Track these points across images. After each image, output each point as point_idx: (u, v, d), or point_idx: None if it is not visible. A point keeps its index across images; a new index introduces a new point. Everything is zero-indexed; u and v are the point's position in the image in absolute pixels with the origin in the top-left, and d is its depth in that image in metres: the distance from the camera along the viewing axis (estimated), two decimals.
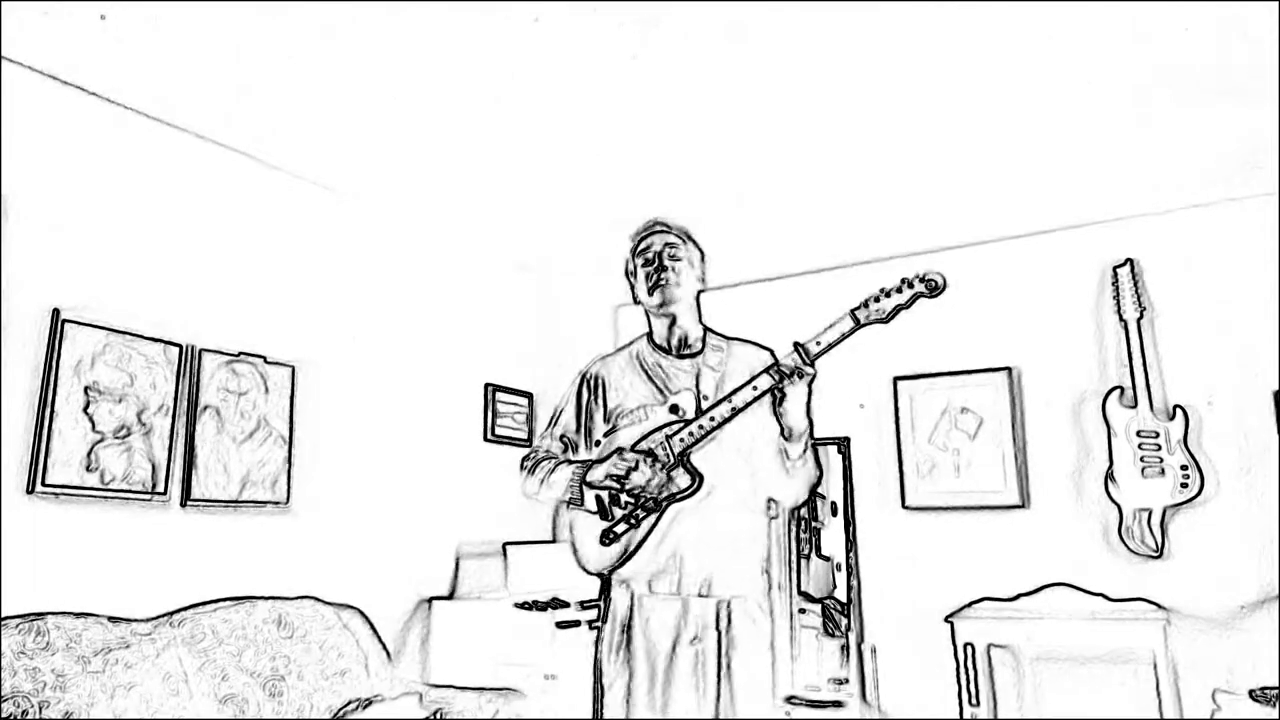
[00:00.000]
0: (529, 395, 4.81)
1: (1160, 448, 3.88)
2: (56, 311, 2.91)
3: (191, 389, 3.26)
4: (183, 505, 3.19)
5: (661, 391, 2.30)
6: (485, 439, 4.53)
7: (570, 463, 2.37)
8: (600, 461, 2.28)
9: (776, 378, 2.13)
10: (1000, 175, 3.80)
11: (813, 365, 2.14)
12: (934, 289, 2.09)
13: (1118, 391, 4.01)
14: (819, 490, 4.92)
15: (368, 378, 3.94)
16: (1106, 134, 3.42)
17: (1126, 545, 3.91)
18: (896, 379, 4.56)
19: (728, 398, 2.18)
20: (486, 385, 4.59)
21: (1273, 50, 2.81)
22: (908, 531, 4.45)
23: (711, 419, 2.18)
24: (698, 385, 2.28)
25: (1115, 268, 4.06)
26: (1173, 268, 4.00)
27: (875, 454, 4.61)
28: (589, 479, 2.28)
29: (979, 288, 4.42)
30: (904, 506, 4.47)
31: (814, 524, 4.91)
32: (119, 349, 3.05)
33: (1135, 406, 3.95)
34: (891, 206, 4.09)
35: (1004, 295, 4.36)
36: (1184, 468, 3.83)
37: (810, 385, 2.20)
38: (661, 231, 2.41)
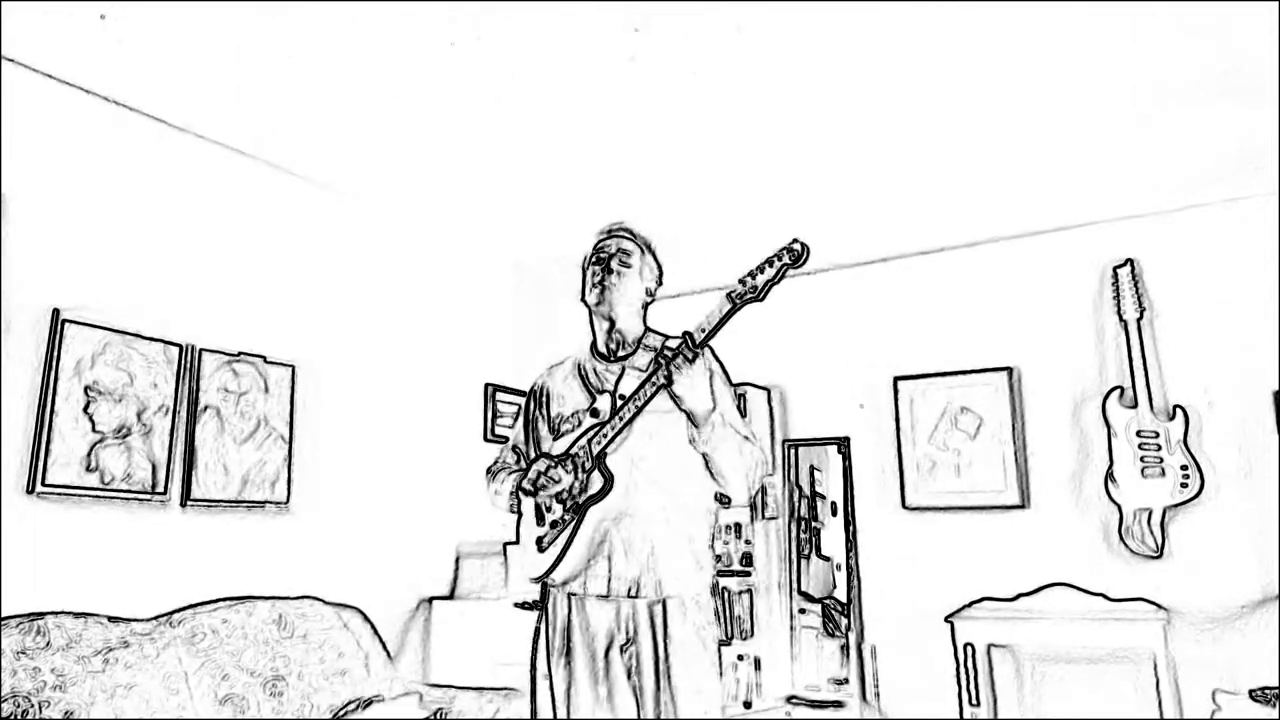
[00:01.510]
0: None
1: (1160, 448, 3.88)
2: (56, 311, 2.91)
3: (191, 389, 3.26)
4: (183, 505, 3.19)
5: (592, 397, 2.31)
6: (485, 439, 4.53)
7: (517, 472, 2.41)
8: (529, 469, 2.32)
9: (664, 368, 2.09)
10: (1000, 175, 3.80)
11: (696, 350, 2.08)
12: (796, 257, 2.07)
13: (1118, 391, 4.01)
14: (818, 490, 4.92)
15: (368, 378, 3.94)
16: (1106, 134, 3.42)
17: (1126, 545, 3.91)
18: (896, 379, 4.55)
19: (633, 397, 2.16)
20: (486, 385, 4.59)
21: (1273, 50, 2.81)
22: (908, 531, 4.45)
23: (621, 418, 2.17)
24: (616, 386, 2.26)
25: (1115, 268, 4.06)
26: (1173, 268, 4.00)
27: (875, 454, 4.61)
28: (523, 487, 2.31)
29: (979, 288, 4.42)
30: (904, 507, 4.47)
31: (814, 524, 4.92)
32: (119, 349, 3.05)
33: (1135, 406, 3.95)
34: (892, 207, 4.10)
35: (1004, 295, 4.36)
36: (1184, 468, 3.83)
37: (714, 367, 2.20)
38: (622, 236, 2.40)
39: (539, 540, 2.26)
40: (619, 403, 2.20)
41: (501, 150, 3.56)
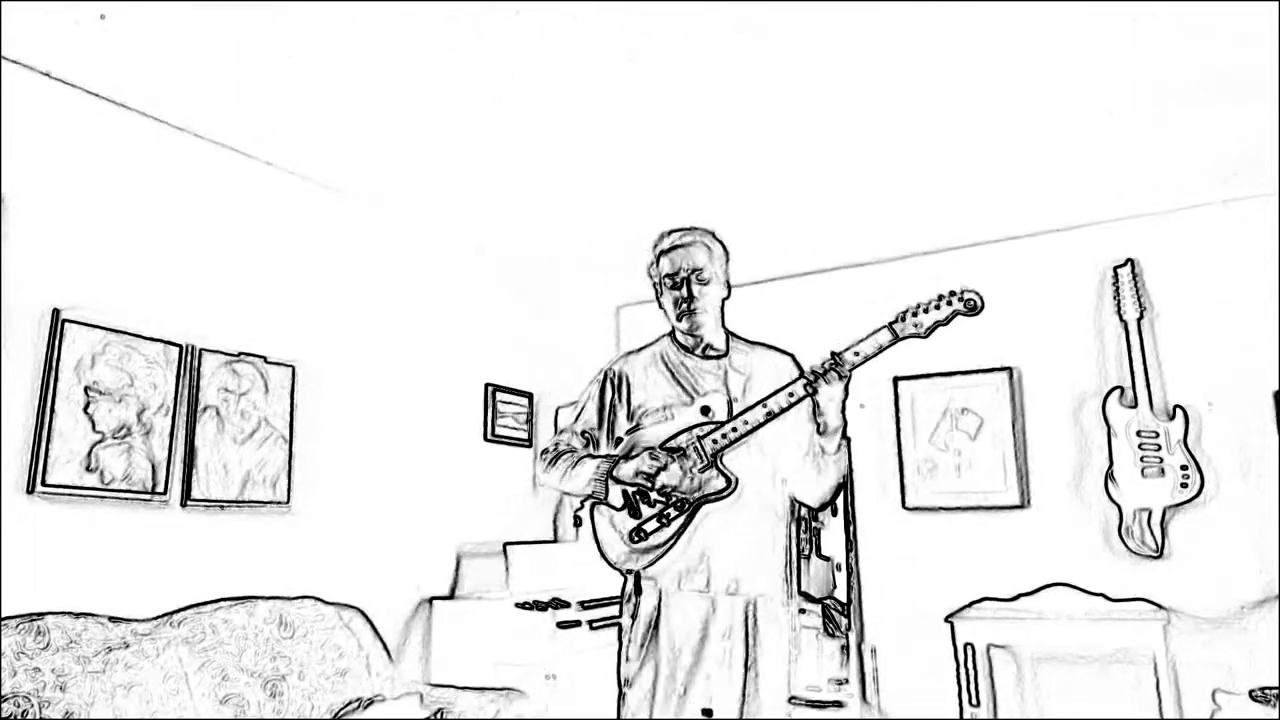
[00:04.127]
0: (529, 395, 4.81)
1: (1160, 448, 3.88)
2: (56, 311, 2.91)
3: (191, 389, 3.26)
4: (183, 505, 3.19)
5: (688, 392, 2.34)
6: (485, 439, 4.53)
7: (593, 458, 2.39)
8: (627, 458, 2.32)
9: (812, 381, 2.21)
10: (1001, 176, 3.80)
11: (847, 373, 2.21)
12: (973, 309, 2.16)
13: (1118, 391, 4.01)
14: None
15: (368, 378, 3.94)
16: (1106, 134, 3.42)
17: (1126, 545, 3.91)
18: (897, 379, 4.55)
19: (762, 402, 2.24)
20: (486, 385, 4.59)
21: (1273, 50, 2.81)
22: (908, 531, 4.45)
23: (745, 422, 2.24)
24: (727, 387, 2.32)
25: (1115, 268, 4.06)
26: (1173, 268, 4.00)
27: (875, 454, 4.61)
28: (616, 475, 2.31)
29: (979, 288, 4.40)
30: (904, 507, 4.47)
31: (814, 524, 4.92)
32: (119, 349, 3.05)
33: (1135, 406, 3.95)
34: (893, 207, 4.09)
35: (1004, 295, 4.34)
36: (1184, 468, 3.83)
37: (847, 386, 2.26)
38: (687, 245, 2.41)
39: (634, 531, 2.28)
40: (736, 406, 2.28)
41: (502, 150, 3.56)
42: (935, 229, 4.34)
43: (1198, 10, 2.65)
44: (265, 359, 3.52)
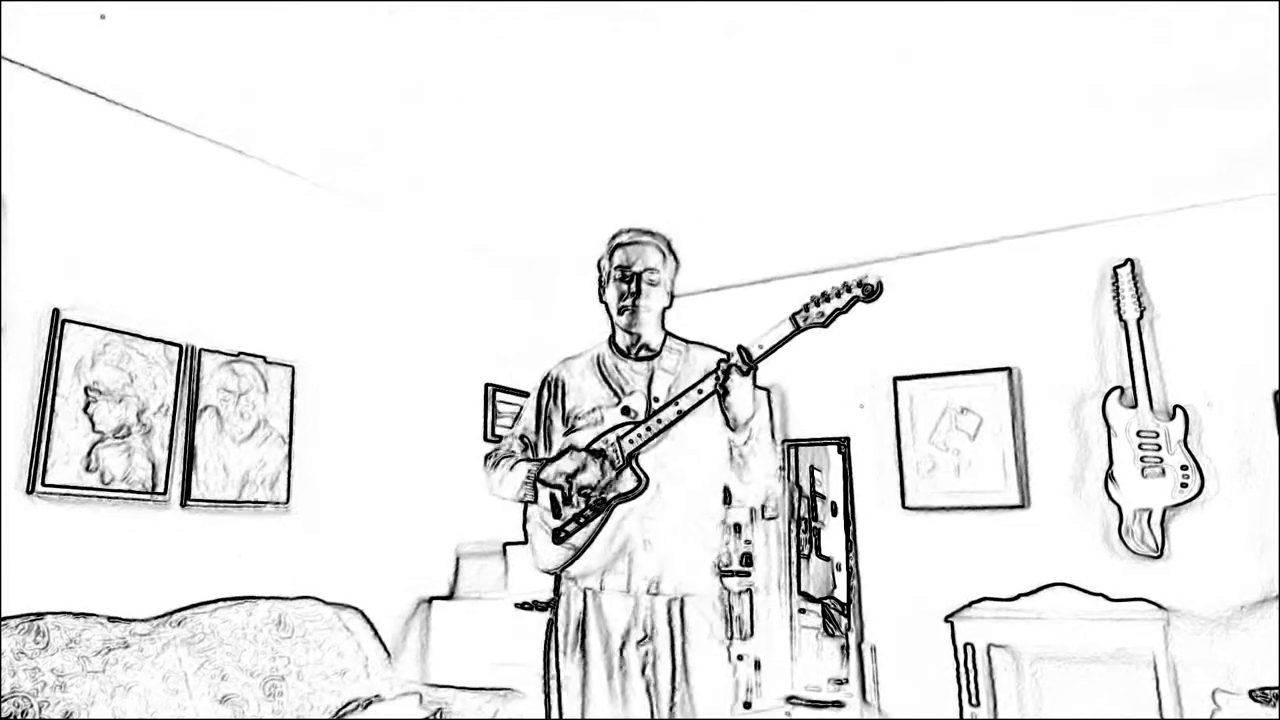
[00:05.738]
0: (529, 395, 4.80)
1: (1160, 448, 3.88)
2: (56, 311, 2.91)
3: (191, 389, 3.26)
4: (183, 505, 3.19)
5: (617, 394, 2.33)
6: (485, 439, 4.53)
7: (527, 461, 2.41)
8: (553, 460, 2.32)
9: (720, 378, 2.17)
10: (1001, 175, 3.80)
11: (754, 368, 2.17)
12: (870, 293, 2.12)
13: (1118, 391, 4.01)
14: (818, 490, 4.92)
15: (368, 378, 3.94)
16: (1106, 134, 3.42)
17: (1126, 545, 3.91)
18: (896, 379, 4.55)
19: (674, 400, 2.21)
20: (486, 385, 4.59)
21: (1273, 50, 2.81)
22: (908, 531, 4.45)
23: (659, 421, 2.21)
24: (649, 387, 2.31)
25: (1115, 268, 4.05)
26: (1173, 268, 4.00)
27: (875, 454, 4.61)
28: (542, 477, 2.31)
29: (979, 288, 4.42)
30: (904, 506, 4.47)
31: (814, 524, 4.92)
32: (119, 349, 3.05)
33: (1135, 406, 3.95)
34: (892, 207, 4.09)
35: (1004, 295, 4.36)
36: (1184, 468, 3.83)
37: (755, 379, 2.23)
38: (643, 244, 2.40)
39: (556, 532, 2.28)
40: (654, 405, 2.26)
41: (501, 150, 3.56)
42: (934, 229, 4.33)
43: (1198, 10, 2.64)
44: (265, 359, 3.53)
